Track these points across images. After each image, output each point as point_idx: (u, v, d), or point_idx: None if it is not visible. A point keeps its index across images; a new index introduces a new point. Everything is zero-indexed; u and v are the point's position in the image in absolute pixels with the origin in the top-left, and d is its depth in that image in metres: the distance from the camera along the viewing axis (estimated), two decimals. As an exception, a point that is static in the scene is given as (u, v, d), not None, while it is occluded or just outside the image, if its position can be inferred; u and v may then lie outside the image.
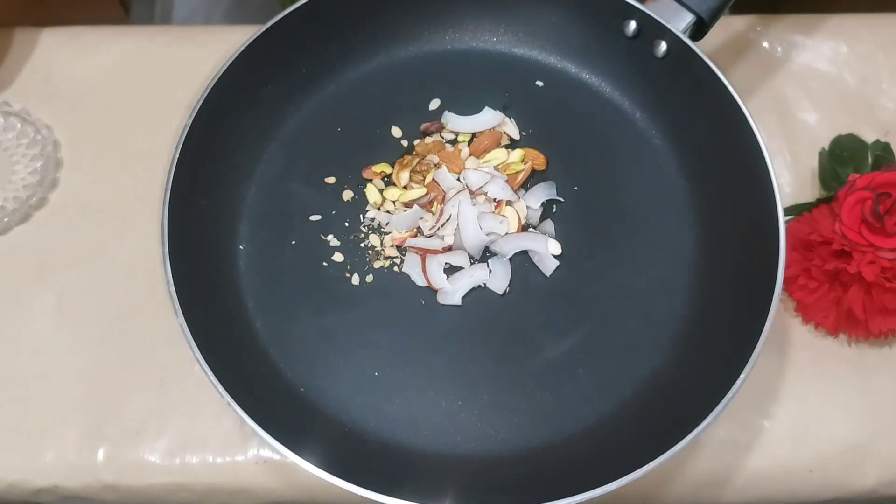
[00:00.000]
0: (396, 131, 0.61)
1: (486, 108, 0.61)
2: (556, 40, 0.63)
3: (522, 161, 0.60)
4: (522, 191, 0.59)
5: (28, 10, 0.87)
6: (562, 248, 0.57)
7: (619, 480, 0.44)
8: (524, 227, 0.58)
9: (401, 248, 0.58)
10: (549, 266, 0.57)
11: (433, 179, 0.59)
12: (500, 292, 0.56)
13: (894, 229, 0.53)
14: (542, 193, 0.59)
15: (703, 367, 0.52)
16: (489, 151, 0.60)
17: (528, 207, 0.58)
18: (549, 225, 0.58)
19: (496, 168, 0.60)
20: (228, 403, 0.46)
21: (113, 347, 0.57)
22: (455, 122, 0.61)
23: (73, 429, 0.54)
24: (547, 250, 0.57)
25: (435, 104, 0.63)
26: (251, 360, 0.53)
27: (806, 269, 0.55)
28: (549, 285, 0.57)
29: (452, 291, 0.56)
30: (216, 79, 0.56)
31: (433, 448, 0.52)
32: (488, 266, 0.57)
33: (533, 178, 0.60)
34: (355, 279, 0.57)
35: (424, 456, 0.51)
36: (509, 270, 0.57)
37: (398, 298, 0.56)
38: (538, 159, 0.60)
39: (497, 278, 0.56)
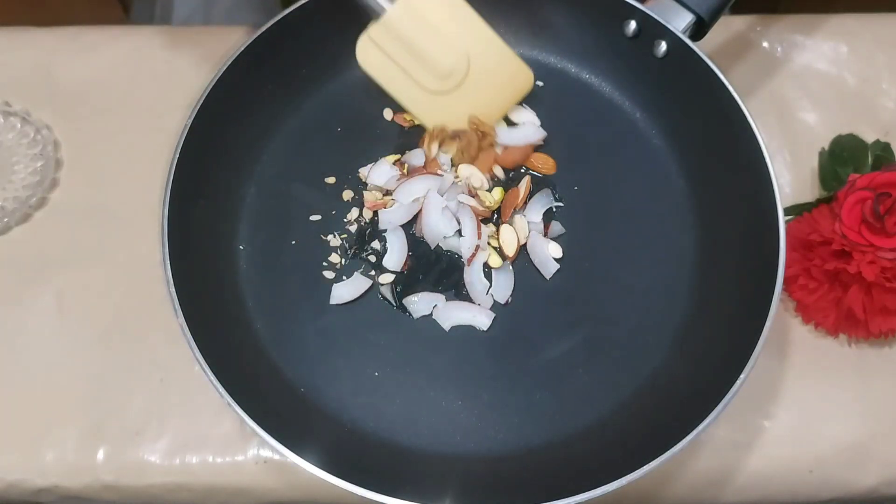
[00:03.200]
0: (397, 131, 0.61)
1: (531, 120, 0.61)
2: (556, 40, 0.63)
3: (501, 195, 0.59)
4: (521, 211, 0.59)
5: (28, 10, 0.87)
6: (562, 251, 0.57)
7: (619, 480, 0.44)
8: (523, 245, 0.57)
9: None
10: (549, 269, 0.56)
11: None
12: (503, 301, 0.56)
13: (894, 229, 0.53)
14: (541, 205, 0.58)
15: (703, 367, 0.52)
16: (517, 164, 0.60)
17: (529, 222, 0.58)
18: (557, 226, 0.58)
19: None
20: (228, 403, 0.46)
21: (113, 347, 0.57)
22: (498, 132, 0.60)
23: (73, 429, 0.54)
24: (548, 253, 0.57)
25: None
26: (251, 360, 0.53)
27: (806, 269, 0.55)
28: (549, 286, 0.57)
29: (445, 319, 0.55)
30: (216, 79, 0.56)
31: (433, 448, 0.52)
32: (487, 314, 0.55)
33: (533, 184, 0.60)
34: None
35: (424, 456, 0.51)
36: (512, 280, 0.56)
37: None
38: (547, 164, 0.60)
39: (500, 288, 0.56)
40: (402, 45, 0.55)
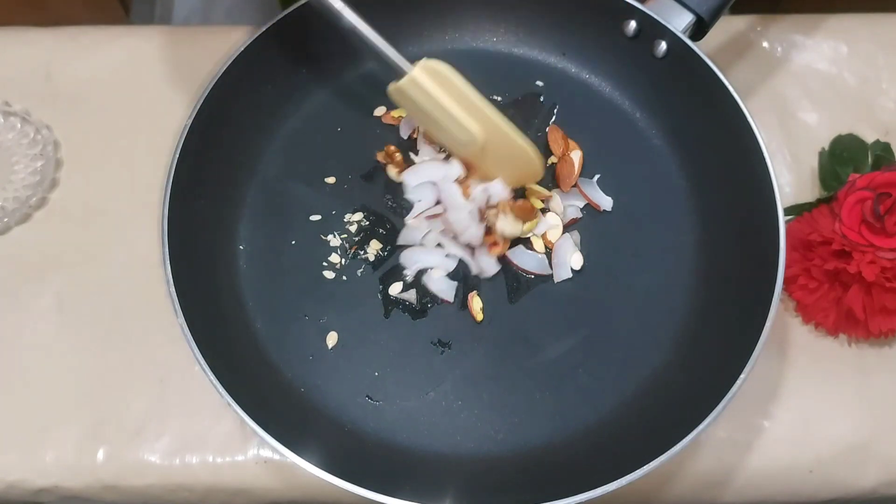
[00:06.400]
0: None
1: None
2: (556, 40, 0.63)
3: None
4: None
5: (28, 10, 0.87)
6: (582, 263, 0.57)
7: (619, 480, 0.44)
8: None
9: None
10: (560, 275, 0.56)
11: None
12: (489, 275, 0.56)
13: (894, 229, 0.53)
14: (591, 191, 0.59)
15: (703, 367, 0.52)
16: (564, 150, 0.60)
17: (567, 206, 0.58)
18: (576, 235, 0.58)
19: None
20: (228, 403, 0.46)
21: (113, 347, 0.57)
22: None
23: (73, 429, 0.54)
24: (568, 260, 0.56)
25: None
26: (251, 360, 0.53)
27: (806, 269, 0.56)
28: (549, 286, 0.57)
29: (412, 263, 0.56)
30: (216, 79, 0.56)
31: (433, 448, 0.52)
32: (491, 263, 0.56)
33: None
34: (355, 279, 0.57)
35: (424, 456, 0.51)
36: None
37: (398, 298, 0.56)
38: (575, 147, 0.60)
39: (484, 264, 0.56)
40: (421, 108, 0.53)
